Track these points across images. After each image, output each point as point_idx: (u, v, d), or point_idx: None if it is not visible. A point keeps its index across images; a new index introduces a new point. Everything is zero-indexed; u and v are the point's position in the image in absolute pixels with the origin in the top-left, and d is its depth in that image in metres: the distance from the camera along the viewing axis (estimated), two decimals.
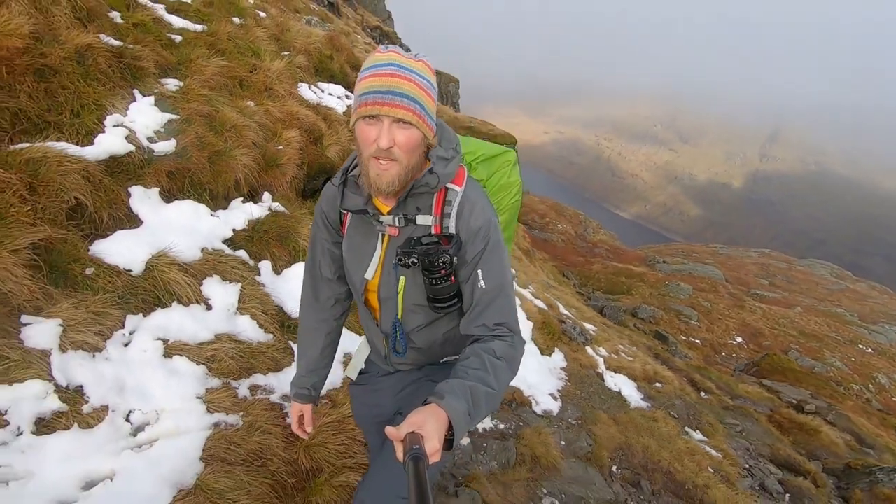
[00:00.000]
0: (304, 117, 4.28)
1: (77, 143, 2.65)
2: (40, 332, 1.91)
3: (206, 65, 3.81)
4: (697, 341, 23.28)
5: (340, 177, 1.32)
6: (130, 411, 1.97)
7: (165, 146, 3.03)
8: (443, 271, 1.24)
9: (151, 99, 3.22)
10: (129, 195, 2.73)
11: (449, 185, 1.28)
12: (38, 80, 2.66)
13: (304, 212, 3.68)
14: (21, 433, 1.69)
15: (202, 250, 2.78)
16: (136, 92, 3.21)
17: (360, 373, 1.68)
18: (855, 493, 6.05)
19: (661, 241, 67.84)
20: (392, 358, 1.51)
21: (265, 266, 3.08)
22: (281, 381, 2.49)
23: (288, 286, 3.07)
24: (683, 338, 22.26)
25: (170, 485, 1.77)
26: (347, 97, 5.96)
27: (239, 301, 2.71)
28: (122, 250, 2.43)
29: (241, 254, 3.00)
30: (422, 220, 1.27)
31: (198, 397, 2.14)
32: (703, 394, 8.15)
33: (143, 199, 2.77)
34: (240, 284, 2.79)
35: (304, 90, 4.96)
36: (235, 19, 5.20)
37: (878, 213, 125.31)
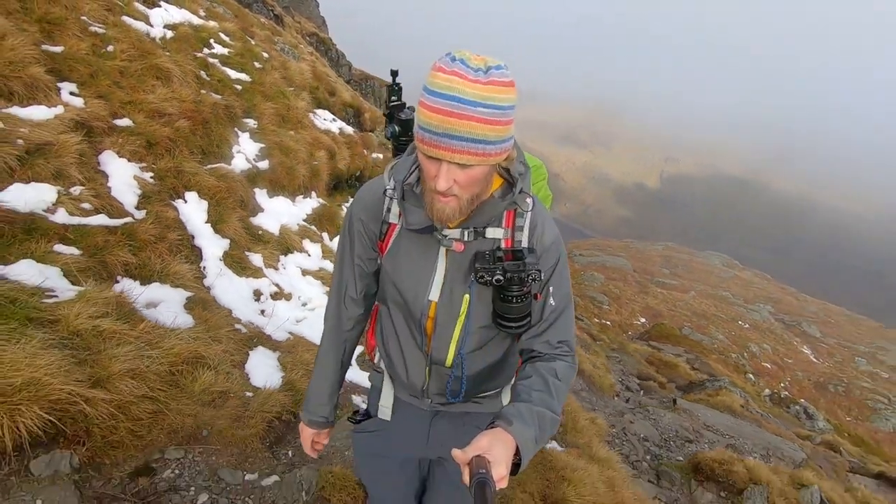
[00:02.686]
0: (325, 141, 6.56)
1: (227, 163, 4.82)
2: (257, 260, 4.17)
3: (265, 108, 6.00)
4: (608, 322, 27.40)
5: (399, 190, 1.22)
6: (299, 296, 4.27)
7: (263, 164, 5.24)
8: (525, 288, 1.19)
9: (248, 134, 5.40)
10: (253, 193, 4.94)
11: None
12: (201, 126, 4.79)
13: (334, 202, 6.00)
14: (266, 300, 3.97)
15: (298, 225, 5.07)
16: (236, 130, 5.37)
17: (366, 415, 1.58)
18: (689, 393, 9.32)
19: (580, 238, 74.22)
20: (430, 392, 1.41)
21: (325, 235, 5.40)
22: None
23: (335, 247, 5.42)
24: (596, 320, 26.20)
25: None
26: (334, 121, 8.22)
27: (321, 252, 5.03)
28: (266, 223, 4.68)
29: (314, 227, 5.30)
30: (491, 233, 1.21)
31: (324, 293, 4.47)
32: (596, 341, 11.28)
33: (261, 196, 4.99)
34: (319, 244, 5.10)
35: (314, 118, 7.20)
36: (257, 64, 7.32)
37: (766, 211, 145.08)
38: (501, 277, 1.16)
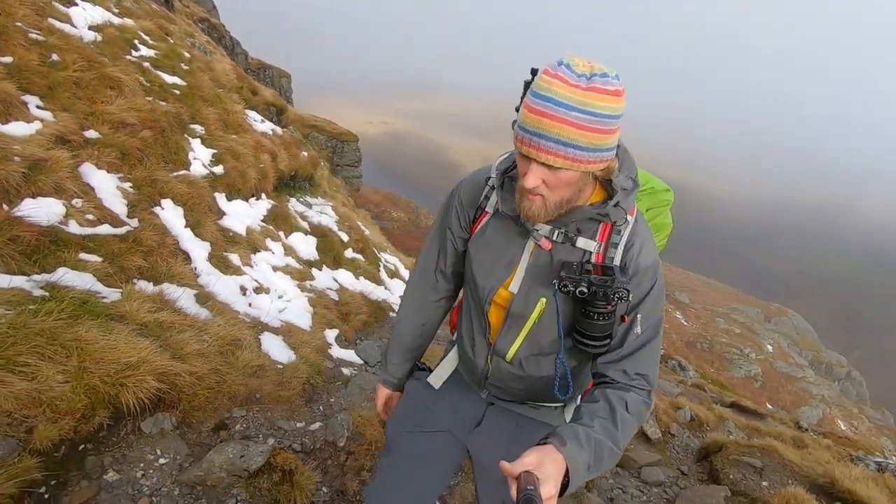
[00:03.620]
0: (266, 144, 6.93)
1: (187, 170, 5.13)
2: (235, 260, 4.64)
3: (208, 113, 6.25)
4: None
5: (499, 177, 1.26)
6: (275, 290, 4.80)
7: (219, 169, 5.58)
8: (610, 307, 1.16)
9: (198, 140, 5.68)
10: (215, 198, 5.30)
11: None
12: (160, 135, 5.04)
13: (282, 202, 6.46)
14: (251, 294, 4.47)
15: (259, 225, 5.52)
16: (187, 136, 5.63)
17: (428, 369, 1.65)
18: None
19: None
20: (486, 372, 1.44)
21: (282, 234, 5.89)
22: (318, 277, 5.47)
23: (294, 244, 5.92)
24: None
25: (302, 310, 4.72)
26: (262, 122, 8.48)
27: (283, 249, 5.54)
28: (233, 225, 5.10)
29: (272, 227, 5.77)
30: (583, 243, 1.22)
31: (295, 286, 5.03)
32: None
33: (221, 199, 5.37)
34: (279, 242, 5.60)
35: (250, 121, 7.48)
36: (183, 65, 7.39)
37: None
38: (585, 290, 1.15)
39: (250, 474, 2.32)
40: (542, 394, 1.44)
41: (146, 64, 6.39)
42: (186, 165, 5.20)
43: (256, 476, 2.35)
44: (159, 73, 6.48)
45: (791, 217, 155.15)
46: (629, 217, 1.22)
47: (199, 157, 5.46)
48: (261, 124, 8.05)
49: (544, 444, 1.00)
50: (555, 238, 1.23)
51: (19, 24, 4.81)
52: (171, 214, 4.36)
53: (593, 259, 1.22)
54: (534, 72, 1.13)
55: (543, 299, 1.26)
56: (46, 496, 1.96)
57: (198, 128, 5.92)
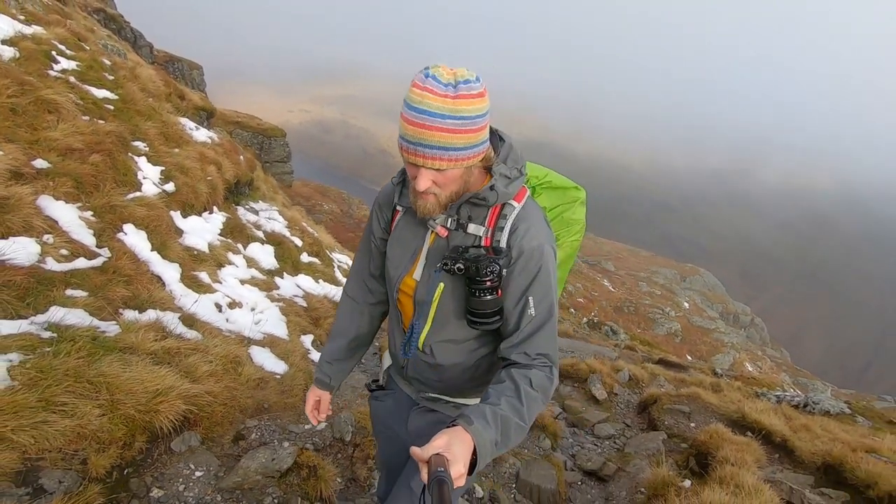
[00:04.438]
0: (209, 155, 6.88)
1: (139, 191, 5.11)
2: (205, 278, 4.76)
3: (147, 128, 6.14)
4: None
5: (399, 175, 1.41)
6: (246, 302, 4.98)
7: (169, 187, 5.58)
8: (489, 282, 1.25)
9: (144, 158, 5.62)
10: (171, 216, 5.31)
11: (508, 201, 1.32)
12: (109, 157, 4.98)
13: (235, 214, 6.52)
14: (225, 310, 4.63)
15: (218, 240, 5.61)
16: (132, 155, 5.55)
17: (379, 388, 1.74)
18: None
19: None
20: (405, 363, 1.52)
21: (240, 245, 5.99)
22: (282, 285, 5.67)
23: (253, 254, 6.05)
24: None
25: (277, 320, 4.95)
26: (198, 129, 8.32)
27: (245, 262, 5.68)
28: (195, 242, 5.17)
29: (230, 240, 5.86)
30: (473, 229, 1.31)
31: (265, 297, 5.22)
32: None
33: (177, 217, 5.39)
34: (240, 254, 5.72)
35: (187, 131, 7.35)
36: (107, 75, 7.10)
37: (563, 172, 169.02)
38: (462, 266, 1.26)
39: (281, 474, 2.66)
40: (458, 387, 1.53)
41: (72, 79, 6.12)
42: (138, 186, 5.16)
43: (286, 475, 2.69)
44: (88, 87, 6.23)
45: (699, 185, 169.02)
46: (515, 203, 1.33)
47: (149, 176, 5.42)
48: (197, 132, 7.90)
49: (453, 426, 1.05)
50: (448, 225, 1.33)
51: None
52: (135, 239, 4.40)
53: (482, 243, 1.32)
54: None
55: (442, 284, 1.35)
56: None
57: (140, 145, 5.82)
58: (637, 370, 7.32)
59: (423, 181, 1.20)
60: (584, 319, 24.70)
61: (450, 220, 1.32)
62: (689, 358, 30.10)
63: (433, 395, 1.57)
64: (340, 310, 1.69)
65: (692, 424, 5.20)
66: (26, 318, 2.86)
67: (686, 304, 46.59)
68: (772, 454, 4.69)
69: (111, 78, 7.04)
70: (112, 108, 6.12)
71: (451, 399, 1.57)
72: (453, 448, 0.97)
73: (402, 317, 1.49)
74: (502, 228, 1.31)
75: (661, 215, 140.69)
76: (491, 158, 1.31)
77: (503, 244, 1.30)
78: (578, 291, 37.74)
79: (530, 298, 1.31)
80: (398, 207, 1.46)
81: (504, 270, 1.27)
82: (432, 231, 1.36)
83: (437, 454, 0.94)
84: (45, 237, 3.56)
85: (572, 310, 28.30)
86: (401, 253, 1.44)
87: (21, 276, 3.04)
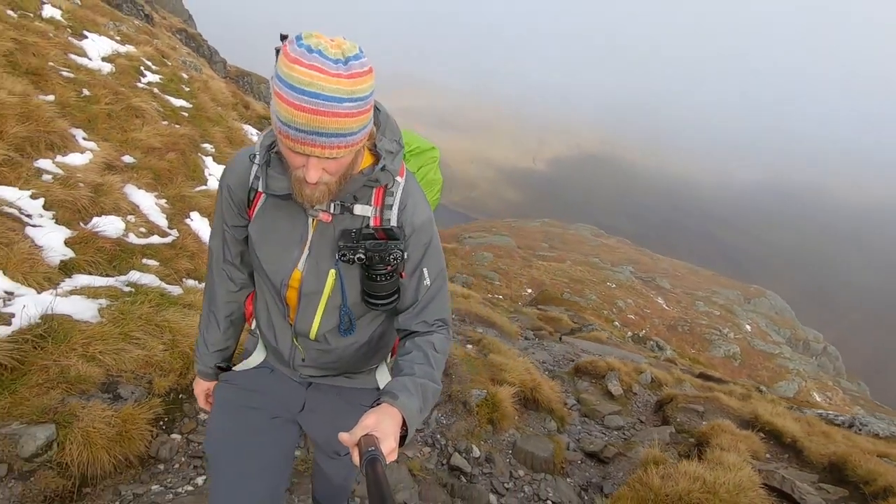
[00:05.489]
0: None
1: (205, 185, 5.92)
2: None
3: (215, 132, 7.05)
4: (500, 297, 30.67)
5: (263, 154, 1.22)
6: None
7: None
8: (389, 267, 1.24)
9: (210, 158, 6.48)
10: None
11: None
12: (181, 156, 5.83)
13: None
14: None
15: None
16: (200, 155, 6.42)
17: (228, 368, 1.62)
18: (570, 335, 12.05)
19: (467, 221, 78.86)
20: (297, 362, 1.46)
21: None
22: None
23: None
24: (489, 296, 29.32)
25: None
26: (257, 134, 9.28)
27: None
28: None
29: None
30: (360, 210, 1.25)
31: None
32: (496, 307, 13.68)
33: None
34: None
35: (248, 136, 8.28)
36: (185, 87, 8.16)
37: (623, 183, 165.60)
38: (364, 256, 1.21)
39: None
40: (355, 362, 1.49)
41: (156, 90, 7.16)
42: (204, 181, 6.00)
43: None
44: (167, 97, 7.26)
45: (770, 202, 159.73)
46: (399, 178, 1.28)
47: (213, 173, 6.26)
48: (255, 138, 8.84)
49: (378, 404, 1.06)
50: (332, 211, 1.24)
51: (52, 63, 5.58)
52: (199, 224, 5.17)
53: (371, 224, 1.26)
54: (283, 37, 1.08)
55: (333, 272, 1.29)
56: (165, 426, 2.82)
57: (208, 146, 6.71)
58: (661, 374, 7.41)
59: (315, 172, 1.08)
60: (630, 334, 24.17)
61: (333, 205, 1.23)
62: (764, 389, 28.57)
63: (326, 374, 1.52)
64: (207, 301, 1.56)
65: (703, 422, 5.31)
66: (112, 276, 3.60)
67: (748, 327, 44.16)
68: (780, 454, 4.76)
69: (187, 89, 8.09)
70: (186, 114, 7.09)
71: (350, 375, 1.54)
72: (382, 425, 0.98)
73: (289, 310, 1.39)
74: (391, 206, 1.27)
75: (726, 233, 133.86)
76: (374, 135, 1.23)
77: (393, 223, 1.27)
78: (629, 307, 36.82)
79: (424, 270, 1.32)
80: (259, 190, 1.29)
81: (405, 253, 1.27)
82: (313, 218, 1.27)
83: (366, 434, 0.95)
84: (129, 217, 4.36)
85: (617, 323, 27.73)
86: (281, 248, 1.31)
87: (109, 245, 3.80)
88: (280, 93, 1.01)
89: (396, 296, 1.32)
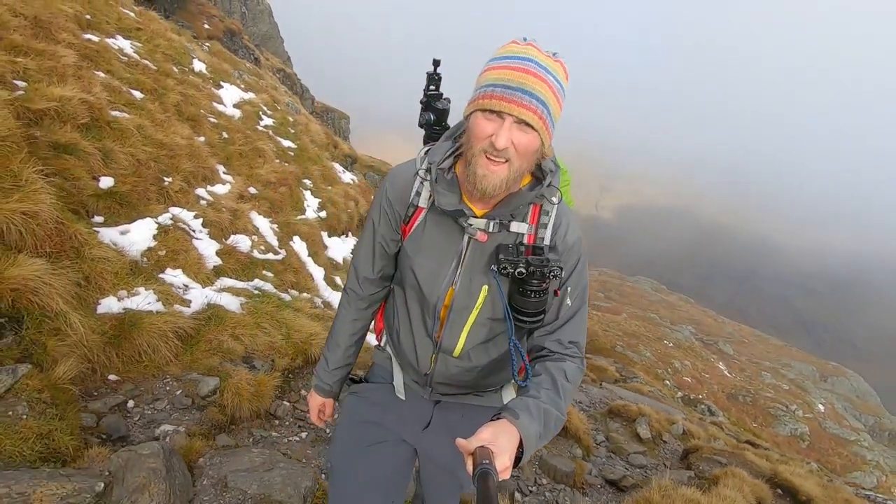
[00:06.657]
0: (351, 193, 9.12)
1: (304, 215, 7.25)
2: (339, 281, 6.65)
3: (313, 170, 8.48)
4: None
5: (433, 172, 1.27)
6: None
7: (322, 214, 7.70)
8: (544, 284, 1.25)
9: (309, 192, 7.85)
10: (321, 234, 7.37)
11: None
12: (289, 189, 7.21)
13: None
14: None
15: (350, 256, 7.59)
16: (301, 189, 7.80)
17: (363, 380, 1.68)
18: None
19: None
20: (435, 379, 1.47)
21: None
22: None
23: None
24: None
25: None
26: (344, 172, 10.75)
27: None
28: (334, 255, 7.15)
29: None
30: (516, 227, 1.28)
31: None
32: None
33: (324, 236, 7.44)
34: None
35: (338, 174, 9.74)
36: (291, 129, 9.78)
37: (693, 239, 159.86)
38: (524, 270, 1.23)
39: None
40: (489, 379, 1.50)
41: (270, 132, 8.76)
42: (303, 211, 7.34)
43: None
44: (279, 139, 8.83)
45: (859, 272, 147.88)
46: (554, 198, 1.31)
47: (311, 205, 7.62)
48: (343, 174, 10.31)
49: (498, 419, 1.06)
50: (491, 230, 1.27)
51: (202, 111, 7.20)
52: (299, 246, 6.44)
53: (525, 241, 1.30)
54: (436, 63, 1.34)
55: (485, 287, 1.32)
56: (280, 394, 3.89)
57: (307, 181, 8.13)
58: (695, 428, 7.79)
59: (505, 137, 1.12)
60: (680, 394, 23.47)
61: (492, 223, 1.27)
62: (813, 465, 26.59)
63: (456, 392, 1.55)
64: (342, 316, 1.61)
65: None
66: (244, 281, 4.83)
67: (821, 407, 40.94)
68: None
69: (292, 131, 9.71)
70: (292, 154, 8.60)
71: (479, 393, 1.56)
72: (500, 440, 0.98)
73: (438, 326, 1.41)
74: (545, 225, 1.31)
75: (807, 303, 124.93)
76: (548, 156, 1.28)
77: (546, 241, 1.30)
78: (686, 369, 35.52)
79: (568, 288, 1.34)
80: (419, 206, 1.35)
81: (563, 271, 1.28)
82: (471, 237, 1.30)
83: (482, 447, 0.94)
84: (253, 237, 5.66)
85: (668, 382, 26.96)
86: (437, 264, 1.35)
87: (243, 257, 5.07)
88: (492, 65, 1.15)
89: (543, 314, 1.33)
